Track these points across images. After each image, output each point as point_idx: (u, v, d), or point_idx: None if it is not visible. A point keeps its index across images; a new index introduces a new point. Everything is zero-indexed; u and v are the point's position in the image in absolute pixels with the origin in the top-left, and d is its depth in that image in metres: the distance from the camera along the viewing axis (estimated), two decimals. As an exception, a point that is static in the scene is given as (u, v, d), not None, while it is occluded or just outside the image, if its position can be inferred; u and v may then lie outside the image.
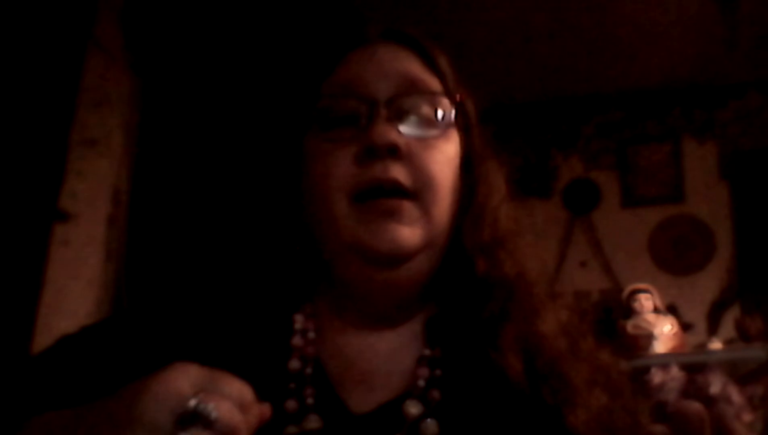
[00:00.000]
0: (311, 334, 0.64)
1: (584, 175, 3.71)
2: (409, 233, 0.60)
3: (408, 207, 0.60)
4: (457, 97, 0.67)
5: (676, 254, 3.51)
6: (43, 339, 1.76)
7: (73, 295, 1.94)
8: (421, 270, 0.63)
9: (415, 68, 0.65)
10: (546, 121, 3.72)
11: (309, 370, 0.61)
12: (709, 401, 2.33)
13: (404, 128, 0.62)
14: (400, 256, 0.60)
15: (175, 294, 0.68)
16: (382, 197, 0.60)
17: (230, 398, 0.47)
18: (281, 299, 0.66)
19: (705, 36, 3.14)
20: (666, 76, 3.50)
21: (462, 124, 0.67)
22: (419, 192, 0.61)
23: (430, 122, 0.64)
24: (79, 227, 2.01)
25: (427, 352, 0.63)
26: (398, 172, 0.60)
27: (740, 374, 2.53)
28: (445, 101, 0.65)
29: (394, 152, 0.60)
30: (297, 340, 0.63)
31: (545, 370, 0.60)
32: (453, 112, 0.66)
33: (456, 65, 0.71)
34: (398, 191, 0.60)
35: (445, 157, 0.64)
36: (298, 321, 0.65)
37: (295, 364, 0.61)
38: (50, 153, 2.01)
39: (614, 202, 3.66)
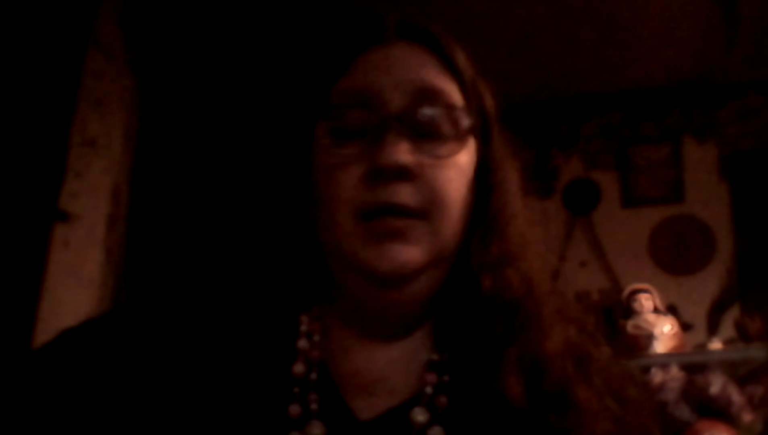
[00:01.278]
0: (317, 337, 0.63)
1: (584, 175, 3.71)
2: (413, 254, 0.58)
3: (415, 226, 0.58)
4: (478, 100, 0.64)
5: (676, 254, 3.50)
6: (44, 339, 1.76)
7: (73, 295, 1.94)
8: (426, 288, 0.61)
9: (432, 75, 0.61)
10: (546, 121, 3.71)
11: (314, 375, 0.60)
12: (710, 410, 2.32)
13: (417, 145, 0.58)
14: (402, 277, 0.58)
15: (179, 293, 0.67)
16: (389, 216, 0.57)
17: None
18: (288, 299, 0.65)
19: (705, 36, 3.14)
20: (666, 76, 3.50)
21: (480, 128, 0.64)
22: (429, 212, 0.58)
23: (446, 137, 0.60)
24: (79, 227, 2.01)
25: (435, 356, 0.61)
26: (407, 195, 0.57)
27: (740, 374, 2.52)
28: (464, 111, 0.61)
29: (403, 174, 0.57)
30: (302, 344, 0.62)
31: (552, 393, 0.58)
32: (471, 120, 0.62)
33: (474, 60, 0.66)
34: (406, 212, 0.57)
35: (459, 172, 0.61)
36: (304, 323, 0.63)
37: (299, 368, 0.60)
38: (50, 153, 2.01)
39: (614, 202, 3.66)
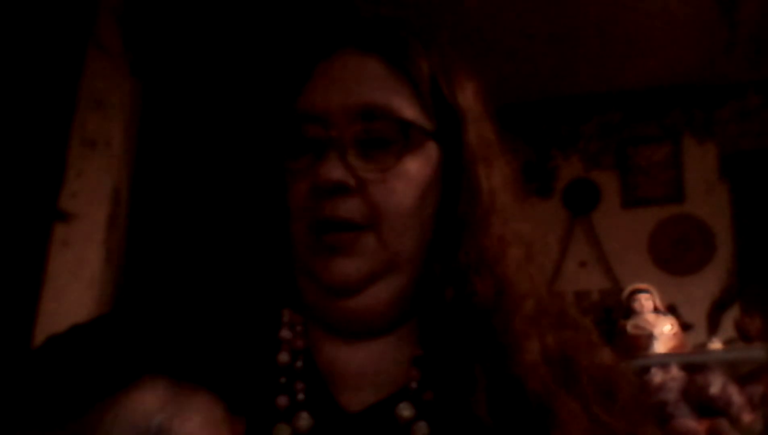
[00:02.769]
0: (299, 327, 0.63)
1: (584, 175, 3.71)
2: (357, 266, 0.58)
3: (359, 239, 0.58)
4: (443, 101, 0.62)
5: (676, 254, 3.50)
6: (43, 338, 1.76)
7: (73, 295, 1.94)
8: (386, 294, 0.60)
9: (377, 89, 0.61)
10: (546, 121, 3.71)
11: (299, 363, 0.61)
12: (710, 410, 2.33)
13: (362, 160, 0.59)
14: (349, 288, 0.59)
15: (167, 291, 0.67)
16: (332, 231, 0.58)
17: (198, 415, 0.46)
18: (272, 295, 0.66)
19: (705, 36, 3.14)
20: (666, 76, 3.50)
21: (448, 129, 0.63)
22: (375, 224, 0.59)
23: (390, 149, 0.60)
24: (79, 227, 2.01)
25: (419, 352, 0.62)
26: (348, 209, 0.58)
27: (740, 374, 2.52)
28: (414, 121, 0.61)
29: (342, 189, 0.58)
30: (285, 333, 0.63)
31: (530, 407, 0.57)
32: (428, 127, 0.61)
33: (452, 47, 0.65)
34: (349, 226, 0.58)
35: (408, 182, 0.60)
36: (286, 314, 0.64)
37: (284, 357, 0.61)
38: (50, 153, 2.01)
39: (614, 202, 3.66)
